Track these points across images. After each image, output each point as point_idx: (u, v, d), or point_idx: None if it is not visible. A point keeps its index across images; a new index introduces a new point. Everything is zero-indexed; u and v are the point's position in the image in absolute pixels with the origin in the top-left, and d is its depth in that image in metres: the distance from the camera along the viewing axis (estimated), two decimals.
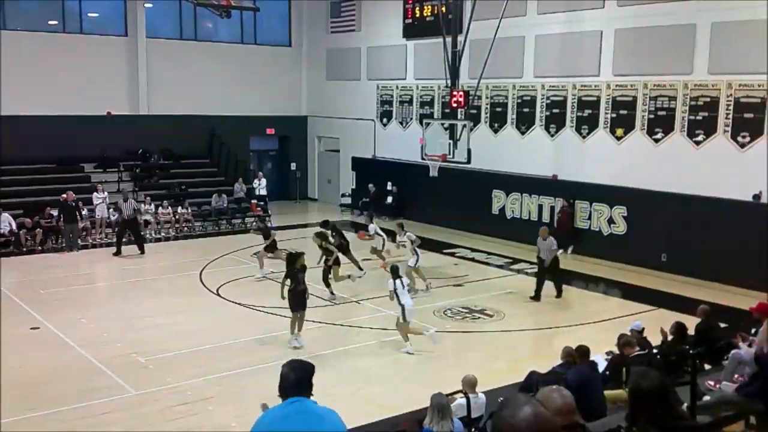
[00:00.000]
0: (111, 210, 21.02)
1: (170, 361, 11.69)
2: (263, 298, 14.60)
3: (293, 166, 29.31)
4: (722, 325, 11.36)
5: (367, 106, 26.57)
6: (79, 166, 23.75)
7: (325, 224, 17.11)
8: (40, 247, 19.77)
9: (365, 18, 26.49)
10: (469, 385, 8.31)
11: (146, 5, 25.55)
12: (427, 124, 20.44)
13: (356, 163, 27.17)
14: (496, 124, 22.00)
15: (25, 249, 19.54)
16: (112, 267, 18.33)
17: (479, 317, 14.37)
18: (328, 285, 15.24)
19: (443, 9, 20.44)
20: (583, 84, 19.49)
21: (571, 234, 19.50)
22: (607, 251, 18.63)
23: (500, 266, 18.61)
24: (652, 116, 18.01)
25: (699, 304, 11.24)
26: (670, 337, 9.96)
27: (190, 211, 22.92)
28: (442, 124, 20.04)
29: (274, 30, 28.86)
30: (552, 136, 20.46)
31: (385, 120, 26.15)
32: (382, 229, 18.47)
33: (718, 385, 8.30)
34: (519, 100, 21.29)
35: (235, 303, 14.95)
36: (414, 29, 23.87)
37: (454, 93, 19.19)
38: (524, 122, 21.19)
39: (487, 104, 22.12)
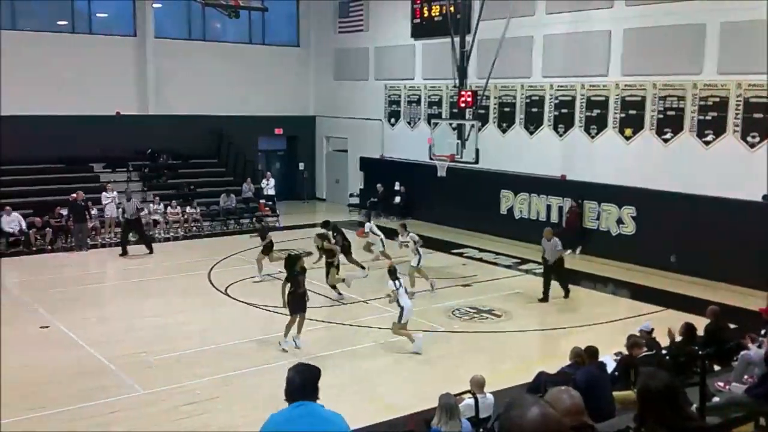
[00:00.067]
0: (119, 209, 21.10)
1: (178, 360, 11.72)
2: (271, 298, 14.59)
3: (301, 166, 29.35)
4: (732, 325, 11.31)
5: (375, 106, 26.57)
6: (88, 165, 23.84)
7: (326, 225, 17.13)
8: (49, 247, 19.85)
9: (373, 18, 26.49)
10: (478, 385, 8.30)
11: (155, 6, 25.63)
12: (435, 124, 20.44)
13: (364, 163, 27.18)
14: (504, 124, 21.96)
15: (34, 248, 19.63)
16: (120, 266, 18.39)
17: (487, 317, 14.34)
18: (333, 286, 15.22)
19: (451, 9, 20.44)
20: (591, 84, 19.43)
21: (580, 234, 19.45)
22: (615, 251, 18.57)
23: (508, 266, 18.58)
24: (661, 116, 17.94)
25: (708, 305, 11.20)
26: (678, 338, 9.92)
27: (198, 210, 22.98)
28: (450, 124, 20.04)
29: (282, 30, 28.90)
30: (560, 136, 20.41)
31: (393, 120, 26.15)
32: (381, 228, 18.37)
33: (727, 387, 8.26)
34: (527, 100, 21.25)
35: (243, 303, 14.97)
36: (422, 29, 23.86)
37: (462, 93, 19.18)
38: (532, 122, 21.15)
39: (495, 104, 22.09)
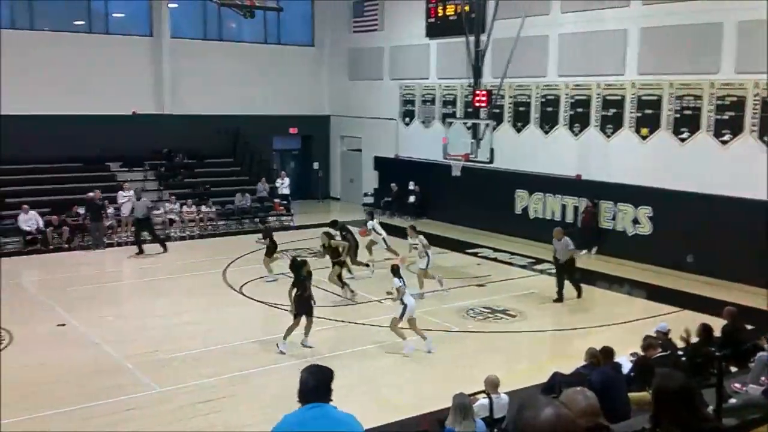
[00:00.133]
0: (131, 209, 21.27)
1: (193, 358, 11.78)
2: (286, 297, 14.61)
3: (316, 165, 29.41)
4: (748, 326, 11.20)
5: (389, 105, 26.58)
6: (104, 165, 24.02)
7: (333, 224, 17.15)
8: (66, 245, 20.01)
9: (388, 17, 26.49)
10: (492, 385, 8.28)
11: (171, 6, 25.77)
12: (450, 124, 20.41)
13: (378, 163, 27.19)
14: (519, 124, 21.89)
15: (52, 247, 19.80)
16: (136, 265, 18.51)
17: (502, 317, 14.31)
18: (344, 284, 15.22)
19: (466, 8, 20.40)
20: (607, 83, 19.33)
21: (595, 234, 19.36)
22: (631, 252, 18.46)
23: (523, 266, 18.52)
24: (677, 116, 17.81)
25: (725, 306, 11.11)
26: (694, 339, 9.86)
27: (213, 210, 23.09)
28: (465, 124, 20.01)
29: (297, 30, 28.96)
30: (576, 135, 20.32)
31: (407, 119, 26.14)
32: (389, 227, 18.31)
33: (744, 388, 8.20)
34: (542, 100, 21.17)
35: (258, 301, 15.03)
36: (437, 28, 23.84)
37: (477, 92, 19.13)
38: (548, 121, 21.07)
39: (510, 103, 22.02)
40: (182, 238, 21.76)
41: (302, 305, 12.04)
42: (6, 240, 20.00)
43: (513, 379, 9.68)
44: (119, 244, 20.50)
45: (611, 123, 19.35)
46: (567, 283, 15.28)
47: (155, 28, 25.52)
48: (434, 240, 20.97)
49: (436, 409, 8.84)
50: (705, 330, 9.83)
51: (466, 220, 22.87)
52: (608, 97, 19.37)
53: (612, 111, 19.30)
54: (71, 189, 21.90)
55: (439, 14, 23.69)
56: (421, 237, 15.70)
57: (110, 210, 21.10)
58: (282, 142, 28.93)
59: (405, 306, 11.98)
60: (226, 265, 17.83)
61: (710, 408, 6.33)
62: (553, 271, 16.02)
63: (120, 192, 21.70)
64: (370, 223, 17.94)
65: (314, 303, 12.38)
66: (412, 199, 25.01)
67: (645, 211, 18.47)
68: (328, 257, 15.55)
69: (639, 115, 18.66)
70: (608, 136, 19.48)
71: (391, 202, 25.53)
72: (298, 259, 12.82)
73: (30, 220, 19.83)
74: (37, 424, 9.29)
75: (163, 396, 10.30)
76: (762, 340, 9.28)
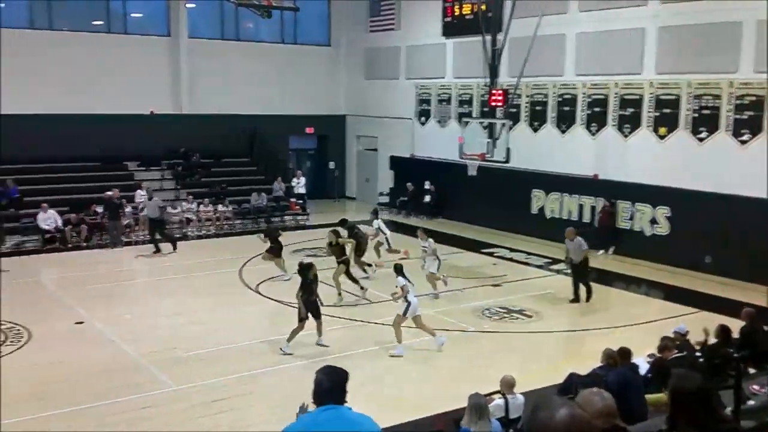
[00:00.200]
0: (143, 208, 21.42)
1: (209, 356, 11.83)
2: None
3: (332, 164, 29.46)
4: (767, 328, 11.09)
5: (405, 105, 26.57)
6: (122, 164, 24.21)
7: (343, 223, 17.15)
8: (85, 244, 20.18)
9: (404, 17, 26.49)
10: (508, 385, 8.26)
11: (188, 6, 25.91)
12: (466, 123, 20.36)
13: (394, 162, 27.19)
14: (536, 123, 21.81)
15: (70, 245, 19.97)
16: (153, 264, 18.63)
17: (518, 317, 14.26)
18: (355, 281, 15.19)
19: (483, 7, 20.34)
20: (625, 82, 19.21)
21: (612, 234, 19.25)
22: (649, 252, 18.34)
23: (539, 266, 18.44)
24: (696, 115, 17.67)
25: (744, 307, 11.00)
26: (712, 340, 9.77)
27: (230, 209, 23.19)
28: (481, 123, 19.95)
29: (313, 30, 29.02)
30: (593, 134, 20.21)
31: (423, 119, 26.12)
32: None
33: (763, 390, 8.11)
34: (559, 99, 21.07)
35: (274, 300, 15.07)
36: (453, 27, 23.79)
37: (493, 92, 19.08)
38: (565, 121, 20.97)
39: (527, 103, 21.94)
40: (199, 237, 21.87)
41: (309, 308, 12.05)
42: (25, 238, 20.21)
43: (528, 379, 9.65)
44: (136, 243, 20.64)
45: (629, 122, 19.23)
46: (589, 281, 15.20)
47: (173, 28, 25.67)
48: (450, 240, 21.06)
49: (452, 409, 8.84)
50: (723, 331, 9.75)
51: (482, 220, 22.81)
52: (626, 97, 19.25)
53: (630, 110, 19.18)
54: (89, 188, 22.09)
55: (456, 13, 23.64)
56: (431, 240, 15.58)
57: (128, 209, 21.26)
58: (298, 142, 29.01)
59: (409, 304, 11.95)
60: (242, 264, 17.89)
61: (728, 410, 6.28)
62: (569, 271, 15.93)
63: (138, 191, 21.88)
64: (375, 222, 17.84)
65: (322, 303, 12.39)
66: (427, 198, 24.99)
67: (663, 211, 18.34)
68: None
69: (657, 114, 18.53)
70: (626, 136, 19.36)
71: (407, 201, 25.53)
72: (304, 261, 12.76)
73: (49, 218, 20.02)
74: (55, 422, 9.37)
75: (178, 394, 10.36)
76: None
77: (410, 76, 26.39)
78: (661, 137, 18.48)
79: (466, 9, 23.11)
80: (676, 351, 9.31)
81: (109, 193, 20.45)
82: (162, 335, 12.90)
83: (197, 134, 24.98)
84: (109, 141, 23.41)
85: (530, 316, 14.30)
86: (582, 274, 15.16)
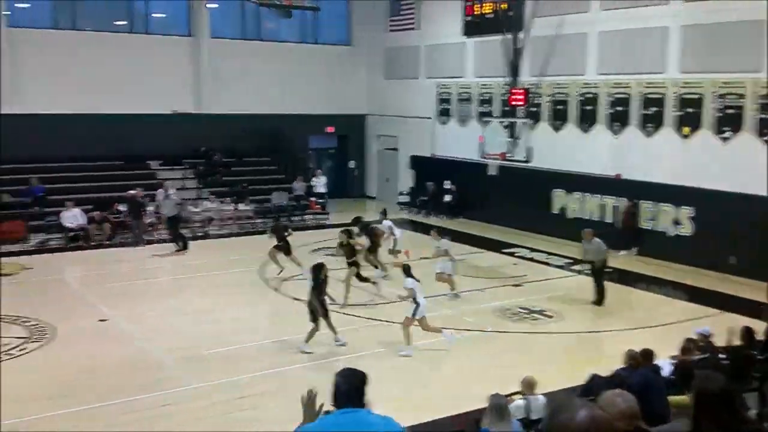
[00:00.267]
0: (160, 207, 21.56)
1: (231, 354, 11.91)
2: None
3: (352, 164, 29.50)
4: None
5: (425, 104, 26.54)
6: (145, 163, 24.42)
7: (356, 221, 17.12)
8: (108, 242, 20.37)
9: (424, 16, 26.47)
10: (528, 386, 8.22)
11: (210, 6, 26.06)
12: (487, 123, 20.31)
13: (415, 162, 27.18)
14: (557, 122, 21.68)
15: (93, 243, 20.18)
16: (175, 262, 18.76)
17: (538, 318, 14.19)
18: (366, 280, 15.04)
19: (504, 6, 20.27)
20: (647, 81, 19.04)
21: (635, 235, 19.09)
22: (672, 253, 18.16)
23: (560, 267, 18.33)
24: (720, 114, 17.48)
25: None
26: (736, 341, 9.66)
27: (251, 208, 23.30)
28: (502, 122, 19.89)
29: (333, 29, 29.08)
30: (615, 134, 20.06)
31: (443, 118, 26.07)
32: (397, 224, 18.10)
33: None
34: (581, 98, 20.93)
35: (296, 299, 15.10)
36: (474, 26, 23.69)
37: (514, 91, 19.03)
38: (587, 120, 20.83)
39: (548, 102, 21.81)
40: (220, 236, 21.98)
41: (320, 308, 12.05)
42: (49, 236, 20.46)
43: (549, 380, 9.58)
44: (159, 242, 20.80)
45: (652, 122, 19.06)
46: (610, 285, 15.07)
47: (195, 28, 25.84)
48: (470, 239, 21.04)
49: (472, 410, 8.81)
50: (747, 333, 9.63)
51: (503, 220, 22.73)
52: (649, 96, 19.08)
53: (652, 109, 19.01)
54: (113, 187, 22.30)
55: (476, 12, 23.53)
56: (444, 240, 15.49)
57: (150, 208, 21.43)
58: (318, 141, 29.09)
59: (417, 305, 11.92)
60: (263, 263, 17.96)
61: (752, 412, 6.21)
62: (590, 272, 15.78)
63: (159, 190, 22.03)
64: (385, 223, 17.74)
65: (333, 301, 12.42)
66: (448, 198, 24.95)
67: (686, 212, 18.15)
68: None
69: (680, 113, 18.35)
70: (649, 135, 19.20)
71: (427, 201, 25.51)
72: (317, 263, 12.74)
73: (73, 216, 20.24)
74: (78, 418, 9.47)
75: (200, 392, 10.43)
76: None
77: (430, 75, 26.35)
78: (685, 137, 18.30)
79: (487, 8, 22.98)
80: (699, 353, 9.21)
81: (132, 192, 20.63)
82: (184, 333, 12.99)
83: (219, 133, 25.15)
84: (132, 140, 23.64)
85: (551, 317, 14.22)
86: (598, 275, 14.99)
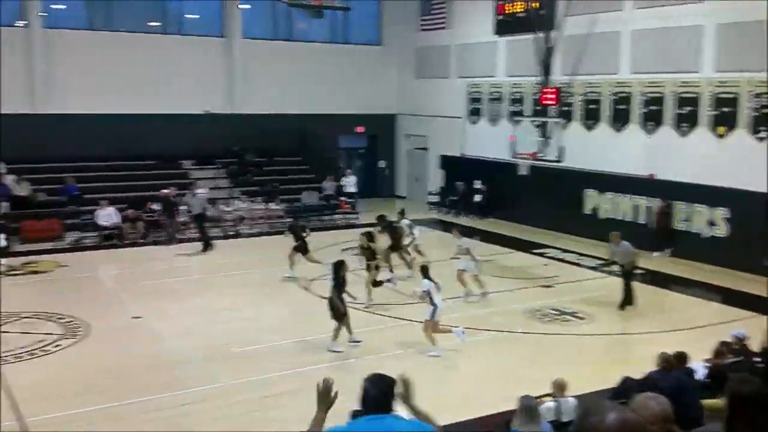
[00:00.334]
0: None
1: (261, 352, 12.00)
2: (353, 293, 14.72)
3: (381, 163, 29.53)
4: None
5: (456, 103, 26.46)
6: (178, 162, 24.70)
7: (381, 219, 17.13)
8: (141, 240, 20.65)
9: (455, 15, 26.39)
10: (559, 388, 8.15)
11: (242, 7, 26.27)
12: (518, 122, 20.19)
13: (444, 161, 27.11)
14: (589, 122, 21.47)
15: (127, 241, 20.46)
16: (207, 260, 18.93)
17: (570, 319, 14.06)
18: (380, 284, 14.87)
19: (536, 5, 20.13)
20: (682, 80, 18.77)
21: (669, 236, 18.83)
22: (706, 254, 17.88)
23: (592, 268, 18.12)
24: (756, 114, 17.16)
25: None
26: None
27: (281, 207, 23.44)
28: (533, 122, 19.75)
29: (364, 29, 29.13)
30: (649, 133, 19.80)
31: (474, 118, 25.97)
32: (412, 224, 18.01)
33: None
34: (614, 97, 20.71)
35: (323, 298, 15.13)
36: (505, 26, 23.51)
37: (546, 90, 18.89)
38: (620, 119, 20.60)
39: (580, 101, 21.61)
40: (251, 235, 22.13)
41: (341, 306, 12.05)
42: (84, 234, 20.79)
43: (580, 382, 9.48)
44: (190, 240, 21.01)
45: (686, 121, 18.79)
46: (635, 284, 14.87)
47: (227, 29, 26.07)
48: (500, 240, 20.94)
49: (502, 411, 8.76)
50: None
51: (533, 220, 22.57)
52: (683, 95, 18.81)
53: (687, 109, 18.73)
54: (146, 186, 22.60)
55: (508, 11, 23.38)
56: (465, 239, 15.37)
57: (183, 207, 21.66)
58: (348, 141, 29.16)
59: (435, 307, 11.86)
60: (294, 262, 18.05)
61: None
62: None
63: (198, 190, 22.27)
64: (404, 222, 17.66)
65: (353, 299, 12.52)
66: (477, 198, 24.85)
67: (721, 212, 17.86)
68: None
69: (715, 113, 18.06)
70: (683, 135, 18.92)
71: (457, 201, 25.43)
72: (337, 260, 12.72)
73: (108, 215, 20.54)
74: (110, 414, 9.61)
75: (230, 389, 10.51)
76: None
77: (461, 74, 26.27)
78: (720, 136, 18.01)
79: (519, 7, 22.80)
80: (732, 356, 9.06)
81: (165, 191, 20.88)
82: (213, 331, 13.10)
83: (250, 133, 25.33)
84: (165, 140, 23.93)
85: (582, 318, 14.09)
86: (627, 278, 14.70)
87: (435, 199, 26.92)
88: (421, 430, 4.13)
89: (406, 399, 4.28)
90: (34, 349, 11.90)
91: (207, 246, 19.62)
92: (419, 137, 28.81)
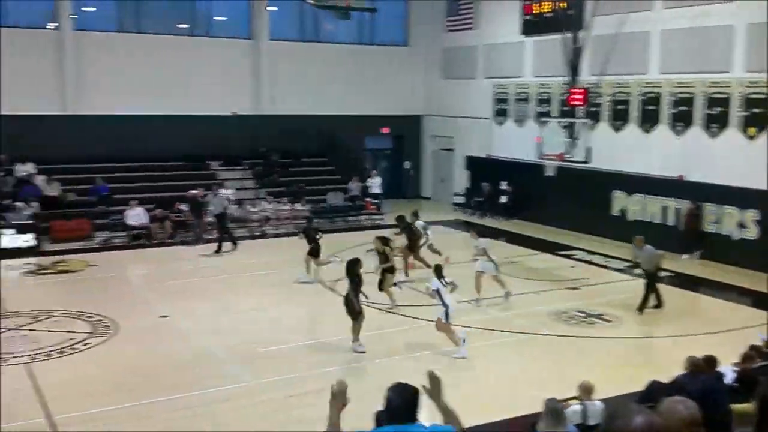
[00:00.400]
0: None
1: (287, 352, 12.05)
2: (375, 295, 14.72)
3: (407, 164, 29.52)
4: None
5: (482, 104, 26.37)
6: (205, 163, 24.91)
7: (400, 220, 17.12)
8: (169, 240, 20.85)
9: (482, 16, 26.30)
10: (586, 391, 8.07)
11: (270, 8, 26.41)
12: (545, 123, 20.07)
13: (470, 162, 27.03)
14: (618, 122, 21.27)
15: (155, 241, 20.67)
16: (233, 261, 19.05)
17: (596, 322, 13.93)
18: (388, 292, 14.61)
19: (563, 5, 19.98)
20: (712, 81, 18.52)
21: (698, 238, 18.59)
22: (736, 257, 17.62)
23: (620, 270, 17.93)
24: None
25: None
26: None
27: (307, 208, 23.52)
28: (560, 123, 19.62)
29: (391, 30, 29.15)
30: (678, 134, 19.57)
31: (500, 118, 25.86)
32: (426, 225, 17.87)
33: None
34: (643, 97, 20.49)
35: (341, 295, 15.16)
36: (533, 26, 23.39)
37: (573, 91, 18.75)
38: (649, 120, 20.38)
39: (608, 101, 21.42)
40: (277, 236, 22.25)
41: (356, 305, 12.01)
42: (113, 234, 21.04)
43: (607, 386, 9.39)
44: (218, 240, 21.15)
45: (716, 122, 18.53)
46: (662, 287, 14.69)
47: (255, 31, 26.24)
48: (526, 241, 20.83)
49: (527, 414, 8.71)
50: None
51: (560, 221, 22.42)
52: (713, 95, 18.56)
53: (717, 109, 18.48)
54: (174, 186, 22.83)
55: (535, 11, 23.24)
56: (482, 240, 15.25)
57: (211, 207, 21.81)
58: (374, 142, 29.18)
59: (447, 307, 11.80)
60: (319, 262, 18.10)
61: None
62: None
63: (221, 190, 22.47)
64: (419, 223, 17.52)
65: (366, 298, 12.41)
66: (503, 199, 24.74)
67: (751, 215, 17.59)
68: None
69: (746, 113, 17.79)
70: (713, 136, 18.67)
71: (483, 202, 25.34)
72: (352, 259, 12.60)
73: (136, 215, 20.78)
74: (137, 413, 9.71)
75: (255, 389, 10.57)
76: None
77: (488, 75, 26.18)
78: (751, 137, 17.73)
79: (546, 7, 22.66)
80: (761, 360, 8.91)
81: (193, 191, 21.07)
82: (239, 331, 13.19)
83: (277, 134, 25.46)
84: (193, 141, 24.16)
85: (609, 321, 13.95)
86: (652, 280, 14.49)
87: (460, 200, 26.85)
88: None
89: (434, 396, 4.27)
90: (63, 348, 12.07)
91: (219, 248, 19.52)
92: (445, 138, 28.76)
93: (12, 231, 19.25)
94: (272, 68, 26.21)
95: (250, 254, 19.55)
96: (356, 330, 12.02)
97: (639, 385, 8.97)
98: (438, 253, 16.97)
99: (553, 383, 9.72)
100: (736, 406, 7.62)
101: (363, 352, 11.91)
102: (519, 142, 23.84)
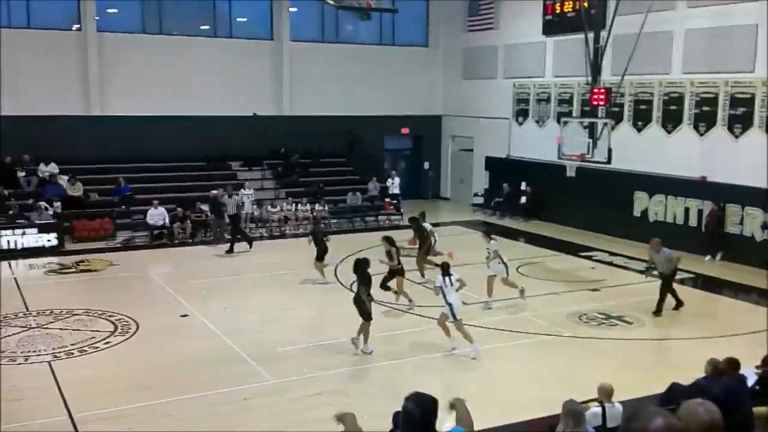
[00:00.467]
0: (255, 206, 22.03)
1: (307, 351, 12.08)
2: (396, 295, 14.72)
3: (426, 165, 29.50)
4: None
5: (502, 104, 26.27)
6: (226, 164, 25.05)
7: (413, 220, 17.15)
8: (190, 240, 20.99)
9: (503, 16, 26.22)
10: (605, 393, 8.02)
11: (291, 10, 26.51)
12: (565, 123, 19.94)
13: (490, 163, 26.94)
14: (639, 123, 21.10)
15: (177, 241, 20.82)
16: (254, 260, 19.14)
17: (617, 324, 13.83)
18: (387, 289, 14.59)
19: (585, 4, 19.85)
20: (735, 81, 18.31)
21: (721, 239, 18.39)
22: (759, 258, 17.40)
23: (641, 271, 17.72)
24: None
25: None
26: None
27: (326, 208, 23.58)
28: (581, 123, 19.49)
29: (411, 30, 29.15)
30: (701, 135, 19.37)
31: (520, 119, 25.75)
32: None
33: None
34: (665, 98, 20.31)
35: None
36: (554, 25, 23.28)
37: (595, 90, 18.61)
38: (671, 120, 20.19)
39: (630, 101, 21.26)
40: (296, 236, 22.30)
41: (368, 304, 11.97)
42: (135, 234, 21.23)
43: (627, 388, 9.32)
44: (238, 240, 21.26)
45: (740, 122, 18.33)
46: (678, 287, 14.54)
47: (276, 32, 26.35)
48: (546, 242, 20.72)
49: (546, 415, 8.66)
50: None
51: (580, 222, 22.29)
52: (736, 95, 18.35)
53: (740, 110, 18.28)
54: (195, 186, 22.99)
55: (557, 11, 23.13)
56: (493, 242, 15.14)
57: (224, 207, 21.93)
58: (393, 142, 29.19)
59: (450, 305, 11.75)
60: (338, 262, 18.14)
61: None
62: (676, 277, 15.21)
63: (241, 190, 22.60)
64: (426, 225, 17.47)
65: (372, 299, 12.36)
66: (523, 200, 24.63)
67: None
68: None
69: None
70: (736, 137, 18.46)
71: (502, 202, 25.24)
72: (361, 258, 12.55)
73: (158, 215, 20.95)
74: (157, 411, 9.78)
75: (275, 388, 10.61)
76: None
77: (508, 75, 26.08)
78: None
79: (568, 6, 22.56)
80: None
81: (214, 192, 21.19)
82: (259, 330, 13.24)
83: (297, 135, 25.56)
84: (214, 141, 24.32)
85: (630, 323, 13.84)
86: (667, 283, 14.30)
87: (479, 200, 26.77)
88: None
89: (456, 417, 4.27)
90: (84, 346, 12.20)
91: (231, 249, 19.52)
92: (465, 138, 28.69)
93: (35, 230, 19.49)
94: (293, 69, 26.31)
95: (269, 254, 19.64)
96: (365, 330, 11.93)
97: (659, 388, 8.91)
98: (440, 254, 16.96)
99: (573, 385, 9.65)
100: (759, 409, 7.54)
101: (370, 353, 11.85)
102: (539, 143, 23.73)
